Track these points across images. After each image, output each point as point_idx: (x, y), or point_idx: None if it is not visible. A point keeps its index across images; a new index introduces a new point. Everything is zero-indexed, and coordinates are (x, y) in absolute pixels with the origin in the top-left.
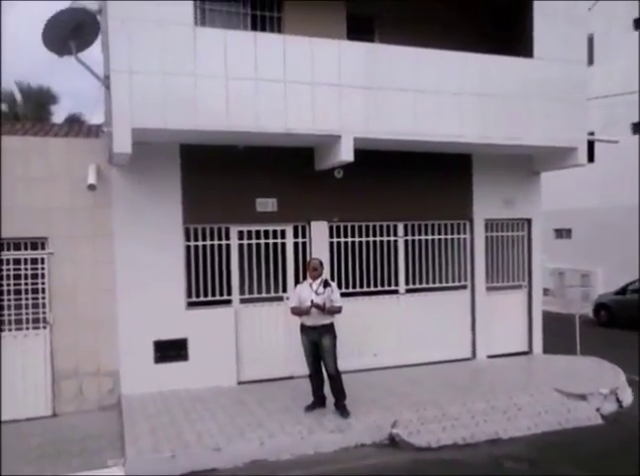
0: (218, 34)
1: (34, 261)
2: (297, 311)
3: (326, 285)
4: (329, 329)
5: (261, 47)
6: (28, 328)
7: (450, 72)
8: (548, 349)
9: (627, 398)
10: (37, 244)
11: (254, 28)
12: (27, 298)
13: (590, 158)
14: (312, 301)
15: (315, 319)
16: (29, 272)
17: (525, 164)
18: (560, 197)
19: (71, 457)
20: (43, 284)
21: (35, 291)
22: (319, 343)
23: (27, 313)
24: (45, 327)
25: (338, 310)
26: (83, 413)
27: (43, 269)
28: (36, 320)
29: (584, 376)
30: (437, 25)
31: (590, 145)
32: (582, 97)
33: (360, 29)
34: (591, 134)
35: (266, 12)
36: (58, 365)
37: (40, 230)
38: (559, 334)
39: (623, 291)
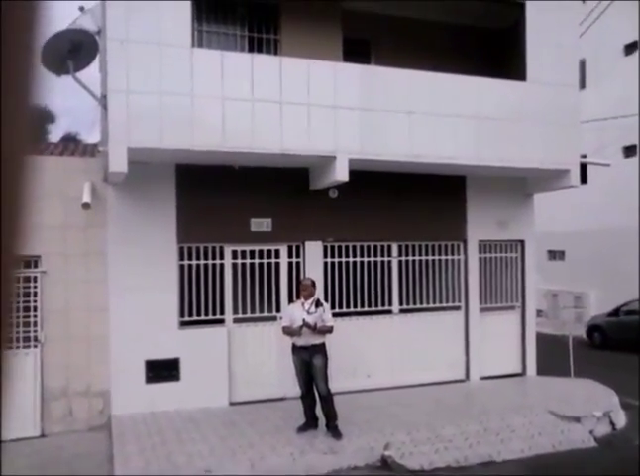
0: (215, 55)
1: (26, 279)
2: (289, 331)
3: (318, 304)
4: (320, 349)
5: (257, 68)
6: (18, 347)
7: (444, 95)
8: (541, 371)
9: (621, 420)
10: (29, 262)
11: (250, 49)
12: (18, 317)
13: (583, 180)
14: (304, 321)
15: (306, 339)
16: (20, 290)
17: (518, 186)
18: (553, 219)
19: None
20: (34, 302)
21: (26, 309)
22: (310, 363)
23: (17, 332)
24: (35, 346)
25: (329, 330)
26: (72, 433)
27: (35, 287)
28: (26, 339)
29: (577, 398)
30: (432, 49)
31: (583, 167)
32: (574, 120)
33: (356, 52)
34: (584, 156)
35: (262, 34)
36: (48, 385)
37: (33, 248)
38: (552, 356)
39: (616, 312)
